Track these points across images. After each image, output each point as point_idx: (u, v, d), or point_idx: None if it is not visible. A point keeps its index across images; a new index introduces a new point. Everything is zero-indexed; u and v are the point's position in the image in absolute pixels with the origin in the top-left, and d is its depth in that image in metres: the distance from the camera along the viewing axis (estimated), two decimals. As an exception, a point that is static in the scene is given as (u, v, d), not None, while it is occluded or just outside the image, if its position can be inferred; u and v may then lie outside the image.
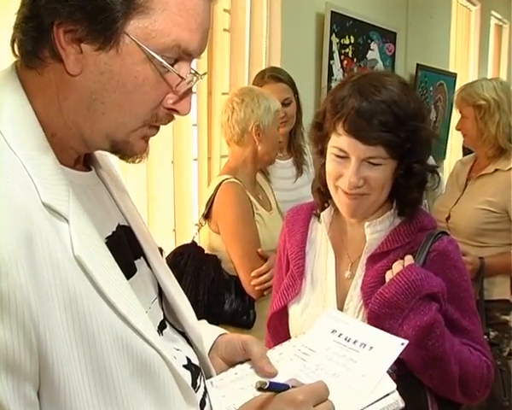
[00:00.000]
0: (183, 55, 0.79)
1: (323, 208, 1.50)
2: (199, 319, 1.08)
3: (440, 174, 1.52)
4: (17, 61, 0.81)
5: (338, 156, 1.36)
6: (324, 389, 0.87)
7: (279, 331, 1.50)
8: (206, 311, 1.99)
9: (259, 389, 0.83)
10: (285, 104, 2.55)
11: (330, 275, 1.45)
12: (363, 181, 1.34)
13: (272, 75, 2.58)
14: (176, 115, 0.85)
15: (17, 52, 0.80)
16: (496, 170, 2.50)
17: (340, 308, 1.41)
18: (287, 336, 1.46)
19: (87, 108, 0.78)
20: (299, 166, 2.64)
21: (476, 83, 2.61)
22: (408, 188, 1.39)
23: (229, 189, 2.13)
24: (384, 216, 1.42)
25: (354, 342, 1.05)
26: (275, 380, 0.87)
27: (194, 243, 2.19)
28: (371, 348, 1.03)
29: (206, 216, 2.18)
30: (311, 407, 0.84)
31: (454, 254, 1.41)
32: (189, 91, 0.82)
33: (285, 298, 1.49)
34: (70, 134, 0.80)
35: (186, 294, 1.04)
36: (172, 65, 0.78)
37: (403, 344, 1.03)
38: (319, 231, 1.52)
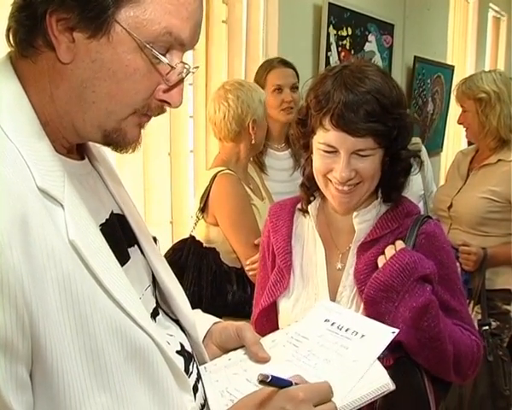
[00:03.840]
0: (175, 43, 0.79)
1: (309, 202, 1.50)
2: (203, 312, 1.08)
3: (424, 157, 1.54)
4: (11, 51, 0.82)
5: (326, 152, 1.36)
6: (328, 389, 0.87)
7: (266, 328, 1.48)
8: (210, 304, 1.99)
9: (261, 382, 0.82)
10: (293, 89, 2.56)
11: (321, 268, 1.45)
12: (354, 173, 1.34)
13: (282, 60, 2.60)
14: (167, 108, 0.85)
15: (12, 41, 0.80)
16: (499, 160, 2.51)
17: (333, 300, 1.42)
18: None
19: (78, 96, 0.78)
20: (297, 157, 2.63)
21: (475, 76, 2.61)
22: (395, 174, 1.42)
23: (224, 180, 2.12)
24: (371, 205, 1.44)
25: (346, 330, 1.07)
26: (277, 375, 0.86)
27: (192, 238, 2.18)
28: (363, 336, 1.04)
29: (203, 209, 2.17)
30: (312, 407, 0.84)
31: (441, 236, 1.44)
32: (179, 83, 0.82)
33: (273, 294, 1.49)
34: (62, 124, 0.81)
35: (189, 289, 1.05)
36: (164, 54, 0.78)
37: (394, 333, 1.04)
38: (305, 225, 1.52)
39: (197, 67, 0.87)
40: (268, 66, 2.57)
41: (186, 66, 0.81)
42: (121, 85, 0.78)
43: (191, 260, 2.09)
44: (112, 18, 0.75)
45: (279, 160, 2.63)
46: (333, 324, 1.10)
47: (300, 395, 0.84)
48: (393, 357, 1.29)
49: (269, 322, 1.50)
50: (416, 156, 1.45)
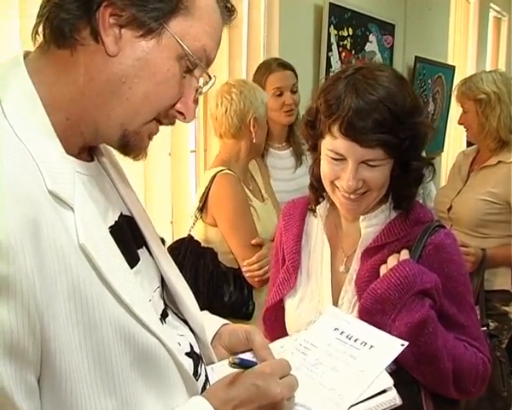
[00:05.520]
0: (205, 61, 0.85)
1: (318, 203, 1.49)
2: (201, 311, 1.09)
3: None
4: (26, 51, 0.83)
5: (334, 159, 1.32)
6: (287, 364, 0.93)
7: (275, 326, 1.50)
8: (206, 304, 1.98)
9: (233, 364, 0.89)
10: (293, 91, 2.57)
11: (325, 269, 1.45)
12: (361, 183, 1.31)
13: (280, 63, 2.60)
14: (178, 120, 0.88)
15: (47, 32, 0.80)
16: (499, 162, 2.50)
17: (335, 303, 1.41)
18: (283, 330, 1.47)
19: (112, 91, 0.80)
20: (299, 156, 2.64)
21: (476, 76, 2.60)
22: (405, 184, 1.37)
23: (224, 181, 2.12)
24: (379, 210, 1.40)
25: (355, 340, 1.08)
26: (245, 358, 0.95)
27: (190, 237, 2.18)
28: (371, 346, 1.05)
29: (201, 209, 2.17)
30: (278, 379, 0.88)
31: (451, 248, 1.37)
32: (197, 99, 0.88)
33: (280, 292, 1.49)
34: (85, 118, 0.82)
35: (186, 288, 1.05)
36: (192, 70, 0.84)
37: (403, 345, 1.04)
38: (314, 225, 1.51)
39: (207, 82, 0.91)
40: (267, 69, 2.57)
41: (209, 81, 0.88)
42: (158, 88, 0.81)
43: (188, 259, 2.08)
44: (163, 25, 0.79)
45: (281, 159, 2.64)
46: (342, 333, 1.11)
47: (267, 370, 0.90)
48: (391, 369, 1.27)
49: (277, 320, 1.51)
50: (429, 165, 1.41)
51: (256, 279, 2.09)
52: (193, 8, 0.81)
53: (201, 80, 0.88)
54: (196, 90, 0.87)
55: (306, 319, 1.43)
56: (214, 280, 2.09)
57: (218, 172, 2.14)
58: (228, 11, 0.88)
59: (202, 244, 2.17)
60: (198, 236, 2.20)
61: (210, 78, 0.87)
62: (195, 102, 0.87)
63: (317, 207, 1.48)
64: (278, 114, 2.54)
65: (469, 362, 1.34)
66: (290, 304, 1.48)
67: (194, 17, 0.81)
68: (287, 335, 1.45)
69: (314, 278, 1.46)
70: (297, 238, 1.49)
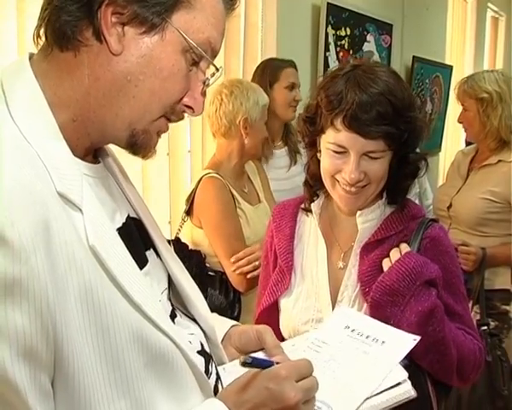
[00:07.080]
0: (210, 53, 0.84)
1: (312, 201, 1.50)
2: None
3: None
4: (31, 53, 0.83)
5: (336, 152, 1.35)
6: (308, 365, 0.89)
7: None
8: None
9: (243, 363, 0.86)
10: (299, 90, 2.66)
11: (322, 266, 1.45)
12: (363, 175, 1.34)
13: (292, 63, 2.70)
14: (188, 115, 0.88)
15: (50, 35, 0.79)
16: (499, 161, 2.50)
17: (334, 299, 1.42)
18: (277, 333, 1.46)
19: (119, 89, 0.80)
20: (293, 155, 2.65)
21: (477, 75, 2.59)
22: (402, 177, 1.41)
23: (209, 184, 2.12)
24: (375, 205, 1.43)
25: (367, 336, 1.09)
26: (259, 357, 0.90)
27: (177, 240, 2.18)
28: (383, 342, 1.06)
29: (188, 211, 2.17)
30: (294, 382, 0.86)
31: (445, 241, 1.44)
32: (205, 92, 0.87)
33: (275, 294, 1.49)
34: (91, 119, 0.81)
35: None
36: (198, 62, 0.84)
37: (415, 340, 1.06)
38: (307, 224, 1.52)
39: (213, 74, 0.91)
40: (282, 64, 2.66)
41: (216, 73, 0.88)
42: (164, 84, 0.81)
43: None
44: (166, 19, 0.79)
45: (276, 157, 2.65)
46: (353, 330, 1.12)
47: (282, 372, 0.86)
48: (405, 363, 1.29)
49: (271, 321, 1.48)
50: (423, 159, 1.44)
51: (248, 276, 2.06)
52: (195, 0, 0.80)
53: (208, 72, 0.88)
54: (204, 83, 0.86)
55: (303, 318, 1.43)
56: (197, 284, 2.07)
57: (205, 174, 2.15)
58: (230, 0, 0.87)
59: (190, 247, 2.17)
60: (186, 238, 2.20)
61: (217, 69, 0.87)
62: (203, 94, 0.87)
63: (312, 205, 1.49)
64: (285, 109, 2.60)
65: (469, 349, 1.39)
66: (285, 305, 1.48)
67: (196, 9, 0.81)
68: (281, 337, 1.45)
69: (309, 276, 1.46)
70: (289, 239, 1.50)
